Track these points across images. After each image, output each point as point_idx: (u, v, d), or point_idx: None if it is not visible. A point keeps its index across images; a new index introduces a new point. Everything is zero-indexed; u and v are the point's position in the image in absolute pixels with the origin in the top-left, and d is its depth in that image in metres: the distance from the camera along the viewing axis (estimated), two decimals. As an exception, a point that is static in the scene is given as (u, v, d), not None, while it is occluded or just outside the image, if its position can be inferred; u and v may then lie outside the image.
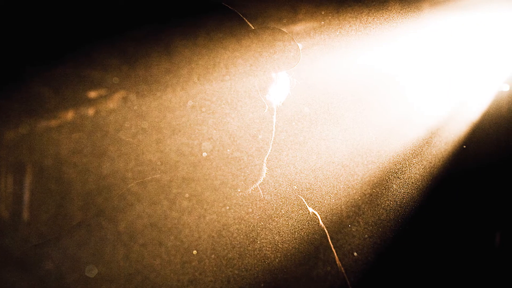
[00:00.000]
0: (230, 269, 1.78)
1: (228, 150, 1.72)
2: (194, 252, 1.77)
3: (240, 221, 1.83)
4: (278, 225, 1.90)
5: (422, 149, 3.12)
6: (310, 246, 1.95)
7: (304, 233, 1.95)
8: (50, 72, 5.25)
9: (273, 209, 1.92)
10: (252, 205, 1.88)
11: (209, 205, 1.79)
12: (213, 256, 1.78)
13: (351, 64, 3.14)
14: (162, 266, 1.74)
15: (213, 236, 1.79)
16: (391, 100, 3.35)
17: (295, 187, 2.08)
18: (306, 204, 2.01)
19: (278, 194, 1.97)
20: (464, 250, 3.98)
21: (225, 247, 1.80)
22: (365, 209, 3.07)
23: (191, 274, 1.75)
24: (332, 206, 2.47)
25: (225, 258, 1.79)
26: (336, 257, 2.03)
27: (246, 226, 1.84)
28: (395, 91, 3.38)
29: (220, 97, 1.72)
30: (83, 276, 1.70)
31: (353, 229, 3.25)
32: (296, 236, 1.92)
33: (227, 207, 1.81)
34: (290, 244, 1.89)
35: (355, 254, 3.27)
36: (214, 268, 1.77)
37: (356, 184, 3.00)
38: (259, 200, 1.91)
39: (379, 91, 3.33)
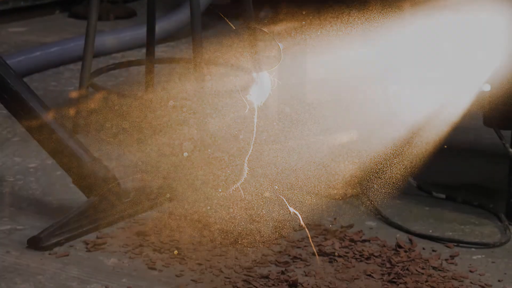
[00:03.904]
0: (210, 269, 1.78)
1: (209, 150, 1.72)
2: (175, 252, 1.77)
3: (221, 221, 1.83)
4: (259, 225, 1.90)
5: (403, 149, 3.13)
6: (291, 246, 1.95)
7: (285, 233, 1.95)
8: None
9: (254, 209, 1.92)
10: (233, 205, 1.88)
11: (190, 205, 1.79)
12: (194, 256, 1.78)
13: (332, 64, 3.15)
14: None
15: (194, 236, 1.79)
16: (372, 100, 3.36)
17: (276, 187, 2.08)
18: (287, 204, 2.01)
19: (259, 194, 1.97)
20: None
21: (206, 247, 1.80)
22: (346, 209, 3.07)
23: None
24: (313, 206, 2.47)
25: (206, 258, 1.79)
26: (317, 258, 2.04)
27: (227, 226, 1.84)
28: (376, 91, 3.39)
29: (201, 97, 1.73)
30: None
31: (334, 230, 3.25)
32: (277, 236, 1.92)
33: (208, 207, 1.81)
34: (271, 244, 1.90)
35: (337, 254, 3.27)
36: (195, 268, 1.77)
37: (337, 184, 3.00)
38: (240, 200, 1.91)
39: (360, 91, 3.34)
